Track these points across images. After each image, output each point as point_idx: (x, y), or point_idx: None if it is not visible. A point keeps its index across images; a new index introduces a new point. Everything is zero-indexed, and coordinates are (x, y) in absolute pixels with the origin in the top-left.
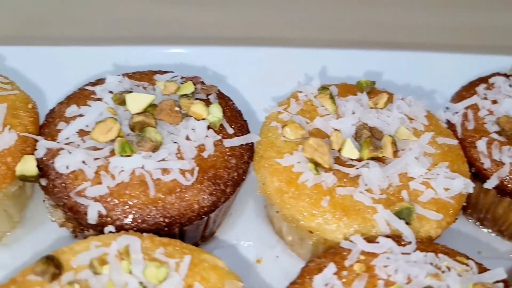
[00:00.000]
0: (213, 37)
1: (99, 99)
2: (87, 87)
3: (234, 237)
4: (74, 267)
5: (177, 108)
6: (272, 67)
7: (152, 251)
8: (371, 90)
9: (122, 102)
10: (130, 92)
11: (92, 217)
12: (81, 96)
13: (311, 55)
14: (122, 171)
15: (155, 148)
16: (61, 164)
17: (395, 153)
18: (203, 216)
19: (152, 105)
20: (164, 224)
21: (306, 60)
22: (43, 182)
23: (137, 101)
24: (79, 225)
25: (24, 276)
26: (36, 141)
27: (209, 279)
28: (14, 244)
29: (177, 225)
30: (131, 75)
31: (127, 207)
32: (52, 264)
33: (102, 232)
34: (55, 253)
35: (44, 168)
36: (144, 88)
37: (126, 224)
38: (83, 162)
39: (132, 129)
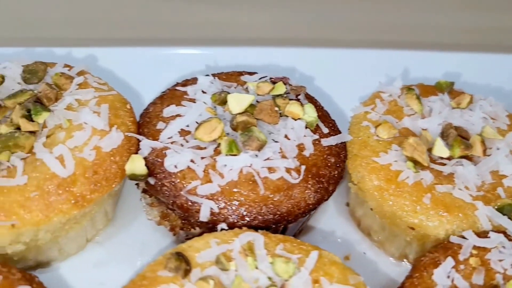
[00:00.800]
0: (293, 38)
1: (192, 100)
2: (178, 88)
3: (320, 234)
4: (199, 263)
5: (276, 108)
6: (350, 68)
7: (272, 248)
8: (450, 90)
9: (222, 103)
10: (227, 92)
11: (204, 215)
12: (173, 96)
13: (389, 56)
14: (231, 169)
15: (260, 147)
16: (170, 163)
17: (484, 151)
18: (307, 214)
19: (250, 105)
20: (274, 221)
21: (383, 61)
22: (152, 181)
23: (239, 101)
24: (186, 223)
25: (153, 272)
26: (138, 140)
27: (332, 274)
28: (108, 242)
29: (284, 222)
30: (217, 75)
31: (238, 204)
32: (183, 261)
33: (211, 230)
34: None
35: (150, 167)
36: (235, 88)
37: (238, 221)
38: (192, 161)
39: (235, 128)
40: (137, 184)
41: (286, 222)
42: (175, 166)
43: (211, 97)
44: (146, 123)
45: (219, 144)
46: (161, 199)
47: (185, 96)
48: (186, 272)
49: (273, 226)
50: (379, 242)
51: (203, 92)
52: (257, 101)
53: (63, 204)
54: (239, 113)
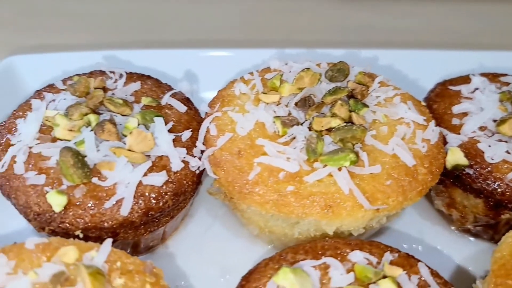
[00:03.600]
0: None
1: (468, 98)
2: (450, 87)
3: None
4: None
5: None
6: None
7: None
8: None
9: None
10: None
11: None
12: (449, 95)
13: None
14: None
15: None
16: (488, 154)
17: None
18: None
19: None
20: None
21: None
22: (470, 171)
23: None
24: (491, 211)
25: None
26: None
27: None
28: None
29: None
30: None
31: None
32: None
33: None
34: None
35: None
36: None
37: None
38: (507, 152)
39: None
40: None
41: None
42: (492, 158)
43: (500, 95)
44: (438, 119)
45: None
46: (474, 187)
47: (460, 95)
48: None
49: None
50: None
51: (480, 91)
52: None
53: (412, 191)
54: None
